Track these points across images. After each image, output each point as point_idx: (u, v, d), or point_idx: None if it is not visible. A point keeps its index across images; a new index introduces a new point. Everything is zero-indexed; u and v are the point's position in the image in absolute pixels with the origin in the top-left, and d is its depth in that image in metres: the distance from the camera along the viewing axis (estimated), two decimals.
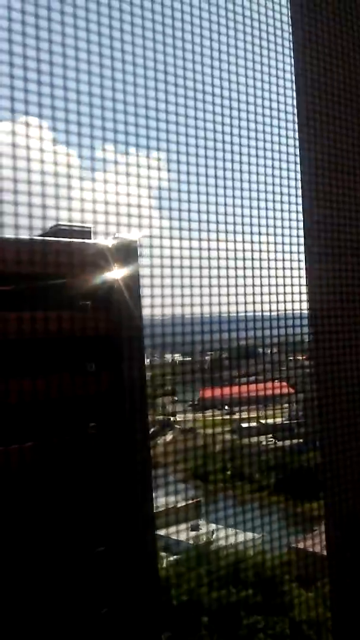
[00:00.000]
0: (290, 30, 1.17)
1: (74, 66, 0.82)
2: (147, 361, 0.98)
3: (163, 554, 0.96)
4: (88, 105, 0.84)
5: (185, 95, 0.99)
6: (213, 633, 1.10)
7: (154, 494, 0.96)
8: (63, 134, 0.84)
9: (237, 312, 1.11)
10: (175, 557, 0.97)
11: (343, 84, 1.26)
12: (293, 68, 1.19)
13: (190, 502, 0.98)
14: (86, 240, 0.94)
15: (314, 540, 1.18)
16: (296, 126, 1.21)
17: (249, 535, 1.05)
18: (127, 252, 0.98)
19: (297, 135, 1.22)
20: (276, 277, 1.15)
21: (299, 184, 1.20)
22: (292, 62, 1.19)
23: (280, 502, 1.12)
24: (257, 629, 1.11)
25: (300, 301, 1.18)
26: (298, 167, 1.19)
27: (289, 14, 1.17)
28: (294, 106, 1.20)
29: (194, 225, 1.03)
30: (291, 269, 1.18)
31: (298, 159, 1.19)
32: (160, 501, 0.96)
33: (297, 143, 1.22)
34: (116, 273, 0.98)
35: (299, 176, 1.20)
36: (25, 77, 0.78)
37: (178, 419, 1.01)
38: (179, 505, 0.98)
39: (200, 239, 1.03)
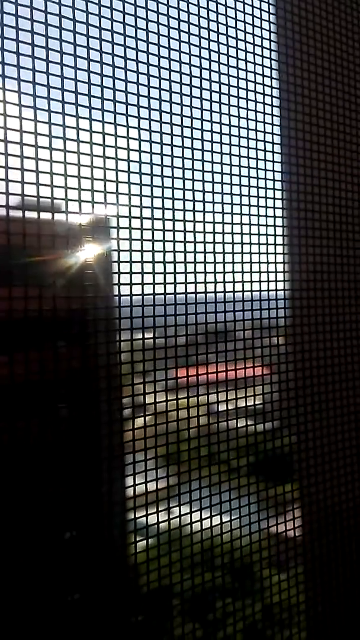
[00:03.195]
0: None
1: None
2: (119, 341, 0.96)
3: (135, 538, 0.94)
4: (59, 65, 0.80)
5: (158, 65, 0.96)
6: (185, 617, 1.09)
7: (126, 478, 0.94)
8: (29, 98, 0.80)
9: (216, 292, 1.08)
10: (147, 541, 0.95)
11: (324, 61, 1.23)
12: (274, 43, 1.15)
13: (163, 485, 0.96)
14: (55, 216, 0.91)
15: (289, 523, 1.17)
16: (278, 103, 1.18)
17: (223, 518, 1.04)
18: (98, 229, 0.95)
19: (278, 112, 1.19)
20: (253, 255, 1.13)
21: (279, 159, 1.17)
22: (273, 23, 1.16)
23: (254, 485, 1.11)
24: (229, 612, 1.11)
25: (276, 281, 1.16)
26: (277, 139, 1.16)
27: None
28: (276, 88, 1.17)
29: (167, 202, 1.00)
30: (266, 250, 1.16)
31: (278, 130, 1.17)
32: (132, 484, 0.94)
33: (279, 121, 1.20)
34: (87, 251, 0.94)
35: (278, 150, 1.17)
36: None
37: (151, 401, 0.98)
38: (152, 488, 0.96)
39: (174, 219, 1.00)
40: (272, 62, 1.16)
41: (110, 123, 0.89)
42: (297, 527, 1.18)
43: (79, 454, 0.98)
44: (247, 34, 1.12)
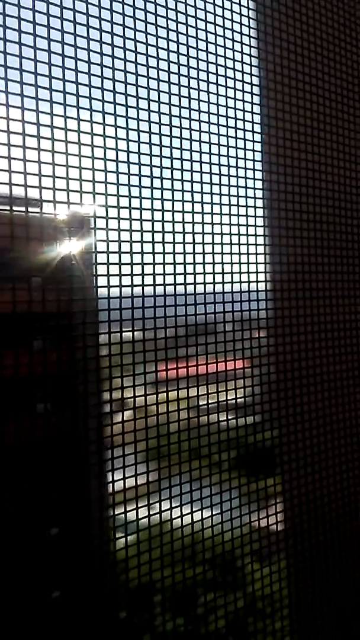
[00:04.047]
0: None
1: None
2: (101, 338, 0.95)
3: (117, 534, 0.94)
4: (32, 60, 0.79)
5: (135, 61, 0.95)
6: (168, 612, 1.09)
7: (108, 474, 0.94)
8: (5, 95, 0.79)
9: (196, 288, 1.08)
10: (130, 537, 0.95)
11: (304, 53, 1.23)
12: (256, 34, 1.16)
13: (146, 481, 0.96)
14: (35, 212, 0.90)
15: (271, 517, 1.18)
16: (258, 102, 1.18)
17: (206, 513, 1.04)
18: (79, 225, 0.94)
19: (259, 110, 1.19)
20: (234, 249, 1.13)
21: (260, 154, 1.17)
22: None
23: (237, 479, 1.11)
24: (213, 606, 1.11)
25: (257, 275, 1.16)
26: (258, 135, 1.16)
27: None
28: (256, 85, 1.17)
29: (148, 198, 1.00)
30: (247, 243, 1.17)
31: (258, 125, 1.17)
32: (115, 480, 0.94)
33: (259, 118, 1.20)
34: (68, 247, 0.94)
35: (259, 147, 1.18)
36: None
37: (133, 396, 0.98)
38: (134, 484, 0.96)
39: (154, 213, 1.00)
40: (253, 49, 1.16)
41: (99, 123, 0.89)
42: (280, 521, 1.18)
43: (62, 450, 0.97)
44: (226, 30, 1.12)
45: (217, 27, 1.09)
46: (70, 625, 0.98)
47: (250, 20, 1.17)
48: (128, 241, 0.93)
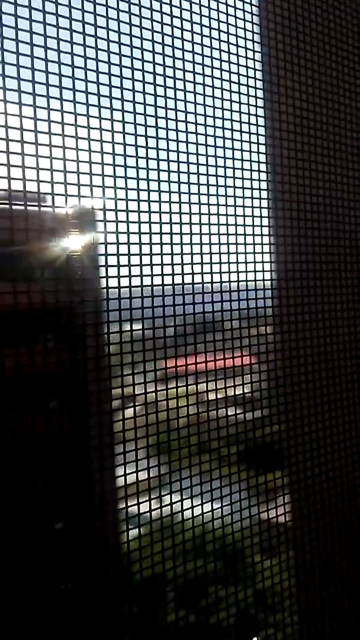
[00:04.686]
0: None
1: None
2: (107, 333, 0.96)
3: (126, 528, 0.95)
4: (29, 56, 0.79)
5: (142, 58, 0.96)
6: (177, 605, 1.10)
7: (116, 468, 0.95)
8: (13, 93, 0.80)
9: (205, 282, 1.09)
10: (138, 530, 0.96)
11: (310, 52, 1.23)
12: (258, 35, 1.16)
13: (154, 474, 0.97)
14: (40, 207, 0.90)
15: (278, 509, 1.19)
16: (262, 98, 1.18)
17: (214, 506, 1.05)
18: (85, 220, 0.95)
19: (262, 103, 1.19)
20: (238, 245, 1.13)
21: (265, 149, 1.17)
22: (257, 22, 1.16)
23: (244, 473, 1.12)
24: (221, 599, 1.12)
25: (263, 271, 1.16)
26: (263, 131, 1.16)
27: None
28: (260, 80, 1.17)
29: (154, 194, 1.00)
30: (254, 240, 1.17)
31: (264, 123, 1.17)
32: (123, 474, 0.94)
33: (263, 112, 1.20)
34: (73, 242, 0.94)
35: (263, 141, 1.18)
36: None
37: (140, 391, 0.99)
38: (143, 478, 0.97)
39: (161, 208, 1.00)
40: (256, 46, 1.16)
41: (106, 119, 0.89)
42: (287, 512, 1.19)
43: (70, 445, 0.98)
44: (230, 26, 1.12)
45: (220, 24, 1.09)
46: (78, 617, 0.99)
47: (254, 16, 1.17)
48: (135, 242, 0.94)
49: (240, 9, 1.13)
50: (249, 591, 1.19)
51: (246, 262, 1.11)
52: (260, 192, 1.15)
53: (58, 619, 0.97)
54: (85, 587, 0.99)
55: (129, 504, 0.96)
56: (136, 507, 0.97)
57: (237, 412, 1.13)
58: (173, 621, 1.08)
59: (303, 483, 1.23)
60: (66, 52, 0.83)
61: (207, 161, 1.05)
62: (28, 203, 0.86)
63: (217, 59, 1.07)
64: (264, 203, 1.16)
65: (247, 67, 1.13)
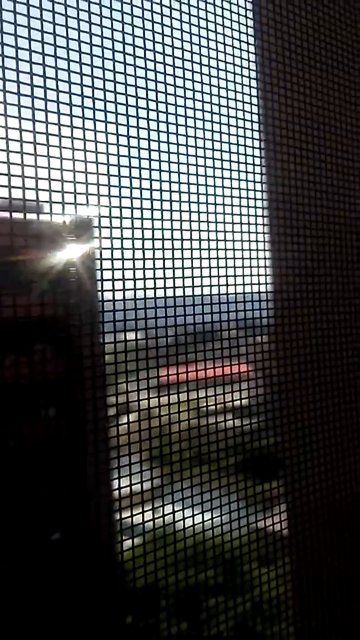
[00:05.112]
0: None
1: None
2: (104, 342, 0.95)
3: (122, 538, 0.94)
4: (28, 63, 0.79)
5: (134, 65, 0.96)
6: (174, 616, 1.09)
7: (113, 478, 0.94)
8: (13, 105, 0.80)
9: (202, 292, 1.09)
10: (135, 540, 0.95)
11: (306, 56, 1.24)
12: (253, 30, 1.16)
13: (151, 485, 0.97)
14: (37, 217, 0.90)
15: (275, 519, 1.18)
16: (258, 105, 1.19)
17: (210, 515, 1.04)
18: (82, 230, 0.95)
19: (259, 111, 1.20)
20: (236, 257, 1.14)
21: (261, 158, 1.18)
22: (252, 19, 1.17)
23: (241, 483, 1.11)
24: (218, 610, 1.11)
25: (257, 282, 1.17)
26: (259, 136, 1.17)
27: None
28: (254, 77, 1.18)
29: (152, 203, 1.00)
30: (250, 248, 1.17)
31: (261, 127, 1.18)
32: (120, 485, 0.94)
33: (259, 118, 1.21)
34: (71, 252, 0.94)
35: (261, 151, 1.18)
36: None
37: (137, 401, 0.99)
38: (139, 488, 0.97)
39: (158, 218, 1.00)
40: (250, 46, 1.16)
41: (101, 129, 0.89)
42: (283, 520, 1.19)
43: (66, 456, 0.97)
44: (226, 28, 1.13)
45: (217, 27, 1.10)
46: (76, 630, 0.98)
47: (249, 19, 1.18)
48: (131, 248, 0.94)
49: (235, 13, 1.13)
50: (247, 601, 1.18)
51: (243, 272, 1.11)
52: (257, 202, 1.15)
53: (55, 629, 0.96)
54: (82, 597, 0.98)
55: (125, 515, 0.96)
56: (133, 517, 0.97)
57: (234, 420, 1.13)
58: (170, 632, 1.07)
59: (299, 492, 1.23)
60: (63, 59, 0.83)
61: (205, 172, 1.05)
62: (25, 212, 0.86)
63: (205, 46, 1.07)
64: (261, 212, 1.16)
65: (241, 58, 1.13)
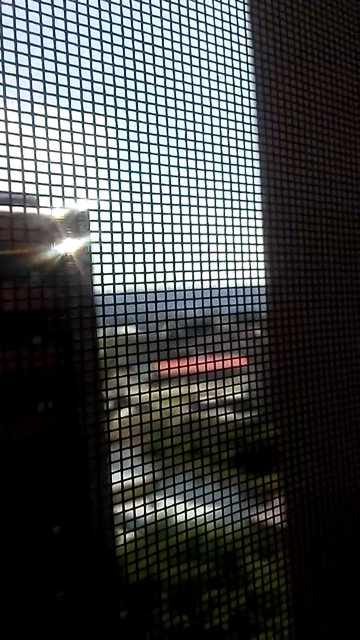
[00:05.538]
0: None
1: None
2: (99, 335, 0.95)
3: (120, 531, 0.94)
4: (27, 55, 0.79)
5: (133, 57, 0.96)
6: (171, 609, 1.09)
7: (110, 472, 0.94)
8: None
9: (196, 285, 1.09)
10: (132, 534, 0.95)
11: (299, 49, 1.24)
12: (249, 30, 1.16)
13: (147, 479, 0.97)
14: (30, 210, 0.90)
15: (272, 512, 1.18)
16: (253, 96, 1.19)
17: (207, 509, 1.04)
18: (76, 223, 0.94)
19: (254, 104, 1.20)
20: (228, 248, 1.13)
21: (256, 148, 1.18)
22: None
23: (238, 476, 1.11)
24: (215, 603, 1.11)
25: (250, 273, 1.16)
26: (254, 129, 1.16)
27: None
28: (252, 73, 1.17)
29: (147, 196, 1.00)
30: (244, 240, 1.17)
31: (254, 120, 1.17)
32: (117, 478, 0.94)
33: (255, 112, 1.20)
34: (64, 245, 0.94)
35: (255, 139, 1.18)
36: None
37: (133, 394, 0.98)
38: (136, 481, 0.97)
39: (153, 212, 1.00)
40: (248, 40, 1.16)
41: (99, 122, 0.89)
42: (281, 514, 1.19)
43: (63, 449, 0.97)
44: (224, 30, 1.13)
45: (215, 30, 1.10)
46: (74, 621, 0.98)
47: (246, 22, 1.17)
48: (131, 242, 0.93)
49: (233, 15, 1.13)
50: (244, 594, 1.18)
51: (242, 264, 1.11)
52: (253, 195, 1.15)
53: (53, 622, 0.96)
54: (81, 591, 0.98)
55: (123, 508, 0.96)
56: (130, 510, 0.97)
57: (231, 414, 1.13)
58: (168, 625, 1.07)
59: (297, 485, 1.23)
60: (62, 52, 0.83)
61: (204, 166, 1.05)
62: (22, 205, 0.85)
63: (211, 43, 1.07)
64: (257, 206, 1.16)
65: (238, 43, 1.13)
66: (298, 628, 1.25)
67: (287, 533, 1.23)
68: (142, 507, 0.97)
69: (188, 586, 1.08)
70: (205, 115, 1.06)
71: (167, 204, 1.02)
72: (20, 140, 0.81)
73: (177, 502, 1.02)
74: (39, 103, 0.82)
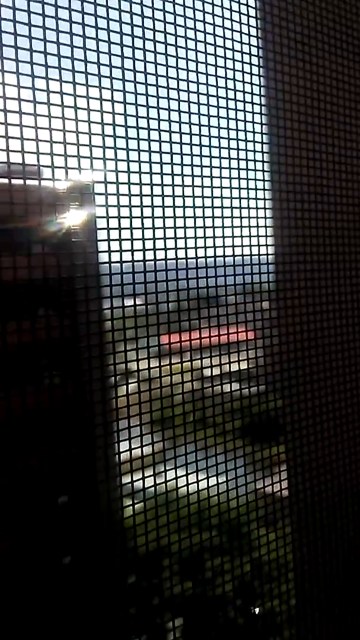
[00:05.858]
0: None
1: None
2: (109, 309, 0.95)
3: (126, 502, 0.96)
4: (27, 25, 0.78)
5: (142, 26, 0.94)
6: (177, 576, 1.12)
7: (116, 443, 0.95)
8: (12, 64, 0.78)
9: (203, 256, 1.08)
10: (139, 504, 0.97)
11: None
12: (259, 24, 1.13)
13: (154, 449, 0.98)
14: (34, 182, 0.89)
15: (277, 483, 1.20)
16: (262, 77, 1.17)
17: (213, 480, 1.05)
18: (81, 195, 0.94)
19: (262, 72, 1.18)
20: (238, 219, 1.13)
21: (265, 121, 1.16)
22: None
23: (244, 447, 1.12)
24: (220, 570, 1.13)
25: (259, 245, 1.16)
26: (264, 100, 1.15)
27: None
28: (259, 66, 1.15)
29: (154, 167, 0.99)
30: (252, 215, 1.16)
31: (263, 93, 1.16)
32: (124, 449, 0.95)
33: (263, 81, 1.18)
34: (69, 217, 0.93)
35: (264, 111, 1.16)
36: None
37: (140, 367, 0.99)
38: (143, 452, 0.98)
39: (160, 183, 0.99)
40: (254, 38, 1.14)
41: (104, 95, 0.87)
42: (285, 487, 1.20)
43: (70, 421, 0.98)
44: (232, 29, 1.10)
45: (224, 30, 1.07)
46: (81, 590, 1.00)
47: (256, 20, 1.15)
48: (139, 216, 0.93)
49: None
50: (248, 562, 1.20)
51: (250, 236, 1.10)
52: (260, 164, 1.14)
53: (61, 591, 0.98)
54: (88, 560, 1.00)
55: (129, 478, 0.97)
56: (137, 480, 0.98)
57: (237, 386, 1.13)
58: (176, 592, 1.09)
59: (302, 457, 1.24)
60: (65, 20, 0.81)
61: (209, 132, 1.03)
62: (26, 177, 0.85)
63: (219, 37, 1.05)
64: (263, 175, 1.15)
65: (247, 34, 1.11)
66: (301, 594, 1.28)
67: (293, 501, 1.25)
68: (150, 478, 0.99)
69: (193, 554, 1.10)
70: (211, 85, 1.05)
71: (177, 175, 1.01)
72: (19, 107, 0.79)
73: (182, 473, 1.03)
74: (39, 64, 0.80)
